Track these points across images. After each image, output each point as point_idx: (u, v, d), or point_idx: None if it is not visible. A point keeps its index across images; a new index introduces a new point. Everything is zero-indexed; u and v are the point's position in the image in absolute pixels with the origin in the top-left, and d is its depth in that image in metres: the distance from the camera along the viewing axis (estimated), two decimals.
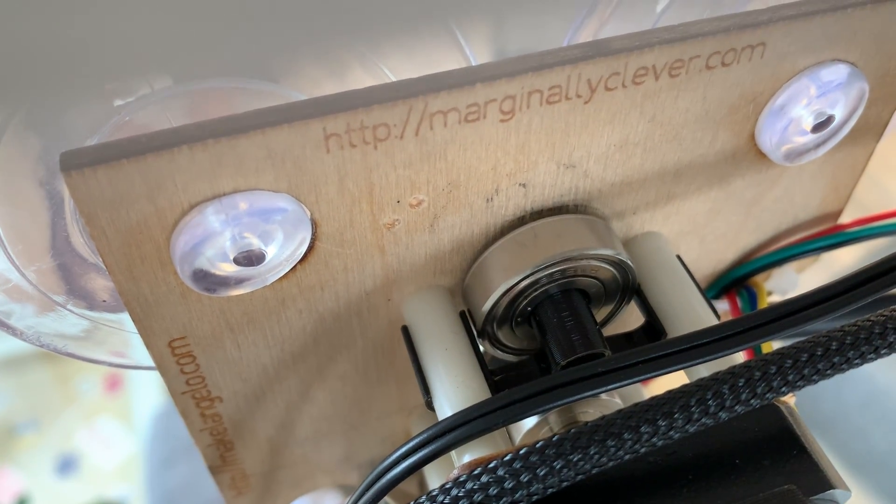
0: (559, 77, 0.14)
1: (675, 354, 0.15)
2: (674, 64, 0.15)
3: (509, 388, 0.17)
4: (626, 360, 0.15)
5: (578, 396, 0.14)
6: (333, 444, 0.22)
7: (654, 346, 0.15)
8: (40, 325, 0.17)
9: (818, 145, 0.18)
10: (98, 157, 0.12)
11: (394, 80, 0.15)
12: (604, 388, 0.15)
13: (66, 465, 0.92)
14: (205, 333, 0.16)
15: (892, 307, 0.15)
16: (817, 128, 0.17)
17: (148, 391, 0.82)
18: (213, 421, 0.19)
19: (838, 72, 0.17)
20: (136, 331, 0.15)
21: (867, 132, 0.19)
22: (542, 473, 0.14)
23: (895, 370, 0.62)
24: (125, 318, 0.18)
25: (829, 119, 0.17)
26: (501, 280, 0.17)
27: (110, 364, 0.19)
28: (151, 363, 0.16)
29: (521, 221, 0.17)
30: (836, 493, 0.15)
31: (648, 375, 0.15)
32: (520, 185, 0.16)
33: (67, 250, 0.16)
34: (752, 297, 0.21)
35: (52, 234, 0.16)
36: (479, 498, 0.14)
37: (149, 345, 0.16)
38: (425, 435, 0.15)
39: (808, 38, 0.16)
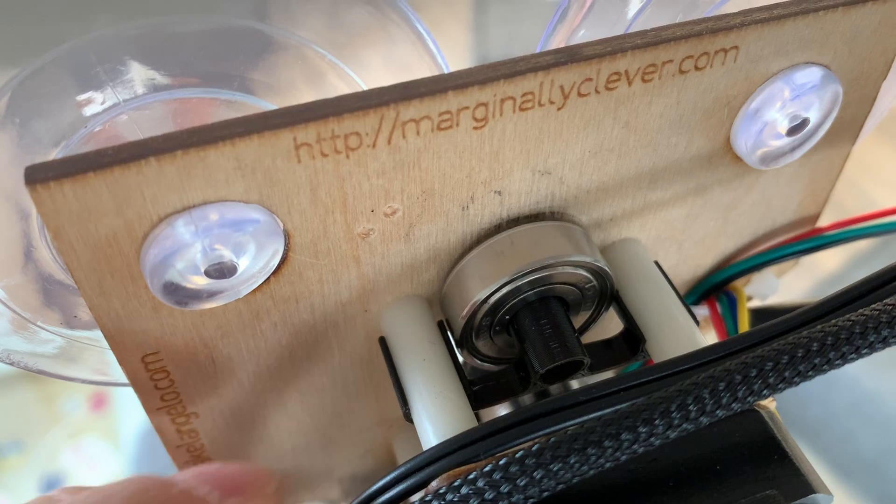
0: (531, 84, 0.14)
1: (659, 381, 0.15)
2: (646, 69, 0.15)
3: (488, 398, 0.17)
4: (609, 388, 0.15)
5: (561, 426, 0.14)
6: (314, 459, 0.22)
7: (637, 372, 0.15)
8: (10, 342, 0.16)
9: (794, 148, 0.18)
10: (63, 170, 0.12)
11: (365, 87, 0.15)
12: (587, 417, 0.14)
13: (52, 486, 0.91)
14: (178, 348, 0.16)
15: (872, 306, 0.15)
16: (792, 131, 0.17)
17: (134, 410, 0.81)
18: (190, 437, 0.18)
19: (812, 74, 0.17)
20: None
21: (843, 134, 0.19)
22: (522, 483, 0.13)
23: (881, 374, 0.62)
24: (100, 334, 0.18)
25: (804, 122, 0.17)
26: (479, 289, 0.17)
27: (86, 381, 0.19)
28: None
29: (497, 229, 0.17)
30: (818, 498, 0.15)
31: (631, 403, 0.15)
32: (495, 192, 0.16)
33: (37, 266, 0.16)
34: (732, 303, 0.21)
35: (20, 250, 0.15)
36: None
37: (121, 360, 0.16)
38: (405, 468, 0.14)
39: (781, 42, 0.16)
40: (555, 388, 0.19)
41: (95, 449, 0.94)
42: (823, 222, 0.22)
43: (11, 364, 0.16)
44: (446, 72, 0.16)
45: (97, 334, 0.18)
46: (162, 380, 0.16)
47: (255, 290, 0.15)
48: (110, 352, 0.15)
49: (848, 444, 0.61)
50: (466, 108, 0.14)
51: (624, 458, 0.14)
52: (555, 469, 0.13)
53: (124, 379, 0.16)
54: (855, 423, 0.62)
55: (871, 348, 0.15)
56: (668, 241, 0.20)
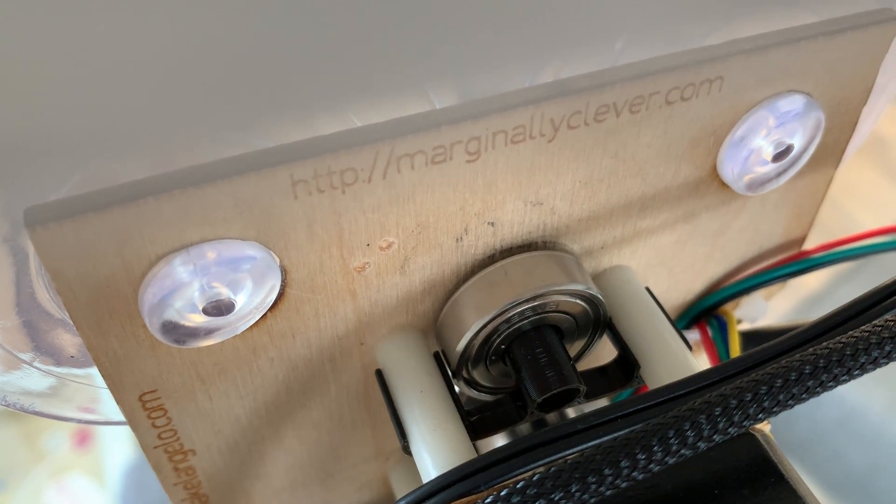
0: (522, 117, 0.14)
1: (655, 407, 0.15)
2: (634, 101, 0.15)
3: (486, 429, 0.17)
4: (607, 416, 0.15)
5: (560, 455, 0.14)
6: (311, 494, 0.22)
7: (633, 399, 0.15)
8: (6, 383, 0.16)
9: (779, 174, 0.18)
10: (63, 211, 0.12)
11: (359, 124, 0.15)
12: (585, 445, 0.14)
13: None
14: (176, 386, 0.16)
15: (862, 328, 0.15)
16: (777, 157, 0.18)
17: (119, 445, 0.80)
18: (187, 474, 0.18)
19: (795, 102, 0.17)
20: (104, 385, 0.15)
21: (826, 159, 0.20)
22: None
23: (867, 389, 0.63)
24: (93, 373, 0.18)
25: (789, 148, 0.18)
26: (474, 319, 0.17)
27: (79, 421, 0.19)
28: (121, 418, 0.16)
29: (491, 260, 0.17)
30: None
31: (630, 430, 0.15)
32: (488, 223, 0.16)
33: (33, 307, 0.16)
34: (723, 326, 0.22)
35: (16, 291, 0.15)
36: None
37: (119, 399, 0.15)
38: (405, 502, 0.14)
39: (765, 71, 0.16)
40: (551, 417, 0.19)
41: (80, 486, 0.92)
42: (809, 244, 0.22)
43: (7, 406, 0.16)
44: (437, 107, 0.16)
45: (91, 372, 0.18)
46: (159, 418, 0.16)
47: (252, 327, 0.15)
48: (102, 390, 0.15)
49: (837, 460, 0.62)
50: (460, 141, 0.14)
51: (624, 485, 0.14)
52: (556, 498, 0.13)
53: (114, 417, 0.16)
54: (843, 439, 0.62)
55: (863, 370, 0.15)
56: (659, 268, 0.20)
